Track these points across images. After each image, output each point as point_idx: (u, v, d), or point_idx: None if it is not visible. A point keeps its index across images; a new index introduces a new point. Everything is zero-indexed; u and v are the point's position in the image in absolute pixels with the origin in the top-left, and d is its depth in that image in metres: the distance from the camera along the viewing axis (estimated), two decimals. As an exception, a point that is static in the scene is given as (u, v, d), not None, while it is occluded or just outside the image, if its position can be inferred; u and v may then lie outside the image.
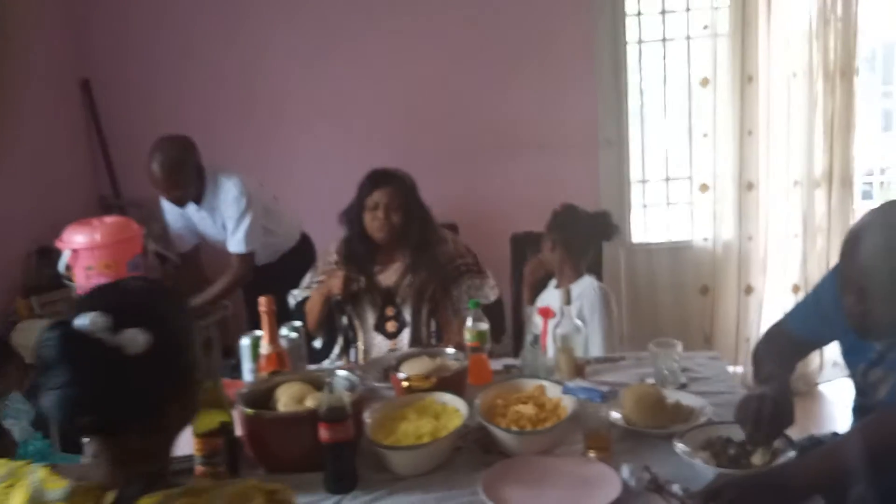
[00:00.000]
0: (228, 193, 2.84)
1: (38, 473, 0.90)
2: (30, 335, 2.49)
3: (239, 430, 1.56)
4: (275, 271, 2.98)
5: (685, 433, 1.51)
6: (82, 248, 2.61)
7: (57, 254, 2.72)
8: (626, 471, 1.38)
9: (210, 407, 1.49)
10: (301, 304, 2.39)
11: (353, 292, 2.30)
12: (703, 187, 3.51)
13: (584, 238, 2.34)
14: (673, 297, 3.58)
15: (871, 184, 4.10)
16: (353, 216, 2.34)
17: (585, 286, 2.34)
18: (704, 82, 3.46)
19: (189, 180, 2.80)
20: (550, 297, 2.32)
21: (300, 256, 3.01)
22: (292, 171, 3.46)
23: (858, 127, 3.45)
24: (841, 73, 3.36)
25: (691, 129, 3.58)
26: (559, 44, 3.42)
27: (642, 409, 1.58)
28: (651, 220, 3.73)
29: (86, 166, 3.57)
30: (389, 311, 2.33)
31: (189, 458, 1.49)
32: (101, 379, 0.87)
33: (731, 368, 3.31)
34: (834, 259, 2.75)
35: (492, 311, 2.24)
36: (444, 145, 3.44)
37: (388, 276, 2.35)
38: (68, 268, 2.69)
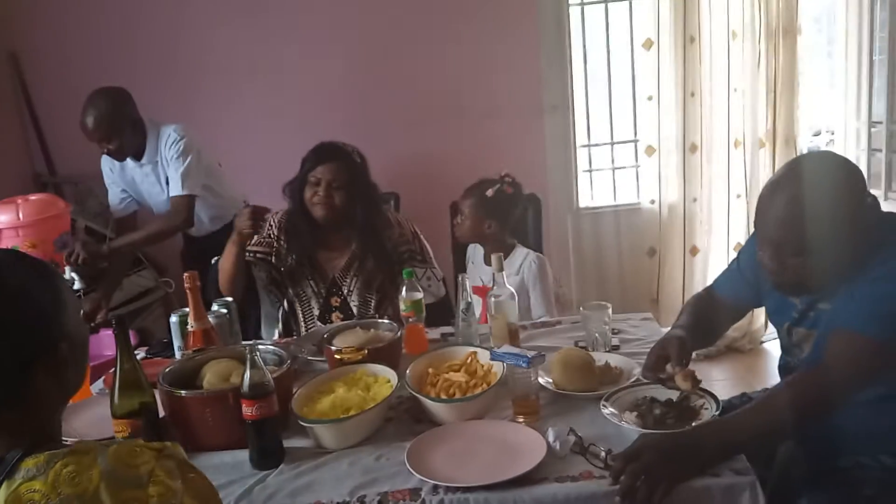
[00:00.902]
0: (169, 138, 2.77)
1: None
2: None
3: (162, 411, 1.53)
4: (216, 243, 2.91)
5: (612, 395, 1.52)
6: (5, 228, 2.52)
7: (-20, 233, 2.63)
8: (551, 434, 1.38)
9: (129, 388, 1.46)
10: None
11: (291, 269, 2.21)
12: (649, 150, 3.52)
13: (516, 216, 2.38)
14: (620, 261, 3.61)
15: (816, 143, 4.16)
16: (294, 190, 2.21)
17: (523, 258, 2.36)
18: (648, 44, 3.44)
19: (123, 129, 2.72)
20: (482, 270, 2.34)
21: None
22: (230, 139, 3.36)
23: (803, 86, 3.48)
24: (784, 32, 3.37)
25: (635, 92, 3.58)
26: (502, 6, 3.36)
27: (570, 373, 1.58)
28: (597, 185, 3.74)
29: (18, 143, 3.44)
30: (335, 302, 2.23)
31: (110, 440, 1.45)
32: None
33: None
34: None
35: (440, 308, 2.21)
36: (383, 111, 3.39)
37: (334, 264, 2.24)
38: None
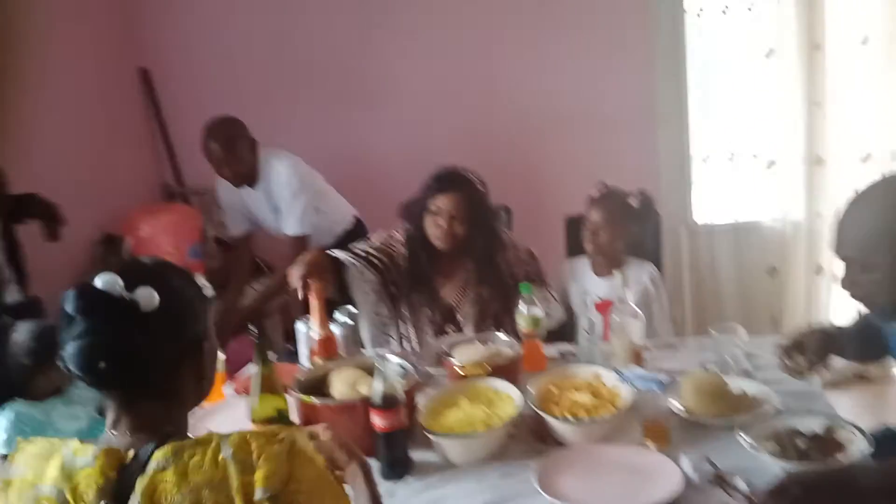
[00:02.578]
0: (281, 175, 2.89)
1: (71, 445, 0.96)
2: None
3: (295, 416, 1.58)
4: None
5: (749, 424, 1.45)
6: (145, 237, 2.67)
7: (121, 241, 2.80)
8: (686, 463, 1.33)
9: (267, 393, 1.52)
10: None
11: (407, 291, 2.17)
12: (770, 164, 3.37)
13: (627, 220, 2.27)
14: (738, 280, 3.45)
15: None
16: (414, 216, 2.17)
17: (639, 271, 2.29)
18: (769, 53, 3.31)
19: (241, 157, 2.86)
20: (593, 283, 2.27)
21: (355, 239, 3.02)
22: (340, 154, 3.46)
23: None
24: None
25: (755, 102, 3.43)
26: (613, 15, 3.31)
27: (703, 398, 1.53)
28: (715, 200, 3.60)
29: (149, 155, 3.66)
30: (450, 329, 2.19)
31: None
32: (116, 329, 0.95)
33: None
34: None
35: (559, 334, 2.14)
36: (494, 125, 3.39)
37: (449, 292, 2.21)
38: (131, 255, 2.77)
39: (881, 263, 1.28)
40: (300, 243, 2.96)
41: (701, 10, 3.40)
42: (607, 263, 2.29)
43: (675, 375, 1.56)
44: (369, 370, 1.66)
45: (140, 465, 0.92)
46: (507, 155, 3.34)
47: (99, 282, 0.95)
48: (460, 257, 2.18)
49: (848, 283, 1.34)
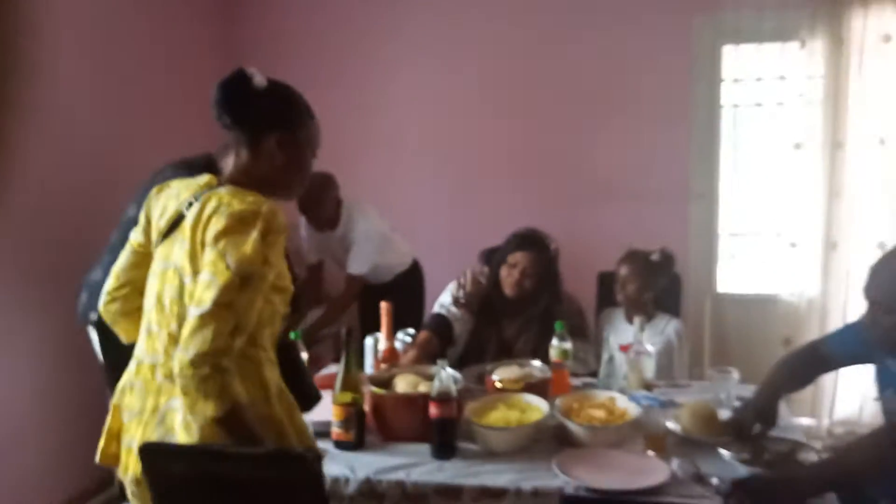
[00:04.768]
0: (358, 224, 3.36)
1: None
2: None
3: (366, 407, 1.97)
4: (389, 289, 3.44)
5: (731, 443, 1.80)
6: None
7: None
8: (675, 463, 1.69)
9: (348, 385, 1.91)
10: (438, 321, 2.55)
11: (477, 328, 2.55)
12: (792, 244, 3.70)
13: (650, 273, 2.64)
14: (754, 347, 3.74)
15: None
16: (492, 264, 2.56)
17: (666, 322, 2.64)
18: (798, 146, 3.68)
19: (328, 209, 3.34)
20: (623, 329, 2.63)
21: (411, 278, 3.54)
22: (406, 204, 3.93)
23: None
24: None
25: (782, 188, 3.79)
26: (657, 104, 3.75)
27: (697, 421, 1.88)
28: (738, 272, 3.95)
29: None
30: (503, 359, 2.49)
31: (328, 423, 1.92)
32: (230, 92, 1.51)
33: (805, 420, 3.48)
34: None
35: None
36: (544, 190, 3.84)
37: (510, 330, 2.58)
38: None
39: None
40: (357, 280, 3.41)
41: (736, 105, 3.81)
42: (635, 312, 2.64)
43: (676, 402, 1.91)
44: (426, 378, 2.06)
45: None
46: (554, 216, 3.73)
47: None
48: (525, 304, 2.55)
49: (870, 323, 1.68)
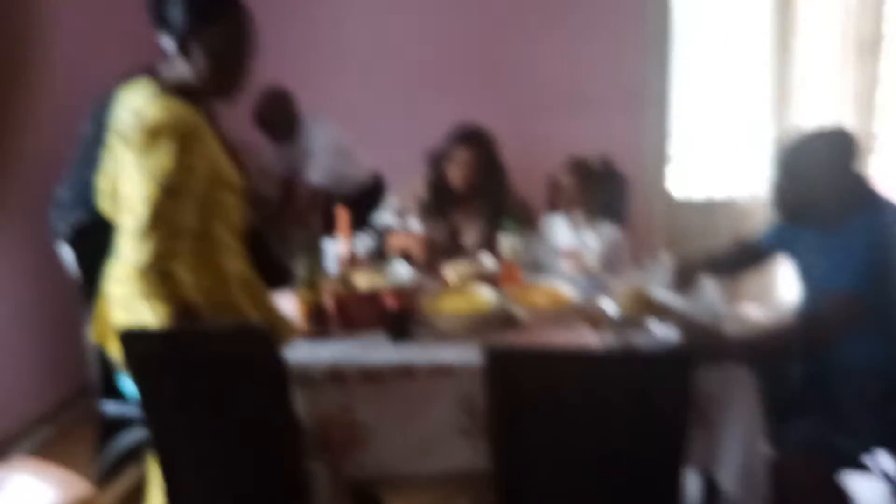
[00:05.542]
0: (316, 136, 3.46)
1: None
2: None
3: (328, 302, 2.12)
4: (352, 202, 3.54)
5: (661, 318, 1.98)
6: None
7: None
8: (609, 337, 1.87)
9: (308, 285, 2.05)
10: (384, 231, 2.75)
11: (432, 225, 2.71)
12: (746, 145, 3.84)
13: (595, 183, 2.76)
14: (705, 248, 3.94)
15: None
16: (437, 163, 2.71)
17: (608, 233, 2.76)
18: (748, 46, 3.77)
19: (285, 123, 3.40)
20: (567, 235, 2.77)
21: (374, 191, 3.63)
22: (371, 115, 3.98)
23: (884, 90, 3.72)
24: (871, 39, 3.65)
25: (733, 88, 3.91)
26: (610, 8, 3.82)
27: (631, 301, 2.06)
28: (692, 176, 4.10)
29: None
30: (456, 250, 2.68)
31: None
32: None
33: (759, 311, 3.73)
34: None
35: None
36: (497, 98, 3.92)
37: (469, 236, 2.73)
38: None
39: (801, 177, 1.85)
40: (319, 192, 3.50)
41: (687, 7, 3.87)
42: (578, 217, 2.78)
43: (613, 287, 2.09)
44: (382, 274, 2.21)
45: None
46: (505, 121, 3.82)
47: None
48: (473, 198, 2.71)
49: (774, 188, 1.91)
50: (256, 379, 1.50)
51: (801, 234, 2.04)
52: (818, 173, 1.85)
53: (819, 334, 1.81)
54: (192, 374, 1.49)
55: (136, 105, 1.57)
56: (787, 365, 1.97)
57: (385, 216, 2.91)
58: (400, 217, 2.81)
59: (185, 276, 1.51)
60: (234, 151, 1.63)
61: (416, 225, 2.74)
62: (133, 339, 1.48)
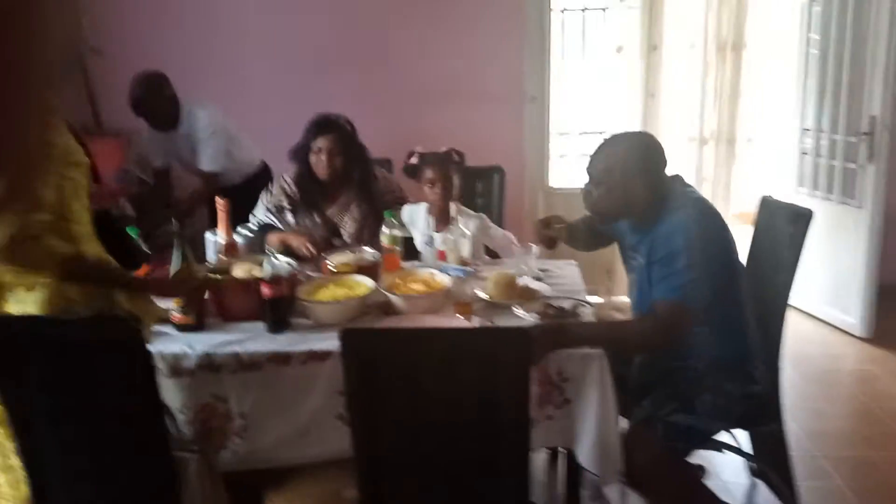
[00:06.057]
0: (200, 121, 3.39)
1: None
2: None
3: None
4: (239, 192, 3.51)
5: (525, 304, 2.11)
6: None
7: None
8: (475, 321, 1.98)
9: (183, 275, 2.05)
10: (263, 229, 2.76)
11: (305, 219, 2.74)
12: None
13: (456, 174, 2.77)
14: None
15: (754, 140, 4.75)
16: (300, 157, 2.73)
17: (473, 218, 2.82)
18: (619, 49, 4.02)
19: (165, 108, 3.33)
20: (425, 228, 2.78)
21: (261, 180, 3.57)
22: (252, 106, 3.96)
23: (744, 95, 4.06)
24: (732, 46, 3.96)
25: (604, 89, 4.16)
26: (492, 8, 3.94)
27: (499, 288, 2.18)
28: (568, 168, 4.33)
29: (68, 98, 4.02)
30: (337, 242, 2.74)
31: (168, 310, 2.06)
32: None
33: (623, 298, 3.97)
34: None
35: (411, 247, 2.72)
36: (383, 88, 3.99)
37: (335, 214, 2.77)
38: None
39: (607, 181, 1.96)
40: (210, 179, 3.46)
41: (564, 9, 4.07)
42: (446, 208, 2.75)
43: (483, 274, 2.21)
44: (259, 264, 2.22)
45: None
46: (392, 116, 3.93)
47: None
48: (342, 186, 2.76)
49: (585, 194, 2.02)
50: (118, 364, 1.50)
51: (624, 231, 2.16)
52: (619, 176, 1.94)
53: (650, 342, 1.93)
54: (54, 357, 1.47)
55: None
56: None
57: (260, 213, 2.85)
58: (277, 214, 2.80)
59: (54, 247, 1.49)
60: (75, 131, 1.62)
61: (292, 220, 2.77)
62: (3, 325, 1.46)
